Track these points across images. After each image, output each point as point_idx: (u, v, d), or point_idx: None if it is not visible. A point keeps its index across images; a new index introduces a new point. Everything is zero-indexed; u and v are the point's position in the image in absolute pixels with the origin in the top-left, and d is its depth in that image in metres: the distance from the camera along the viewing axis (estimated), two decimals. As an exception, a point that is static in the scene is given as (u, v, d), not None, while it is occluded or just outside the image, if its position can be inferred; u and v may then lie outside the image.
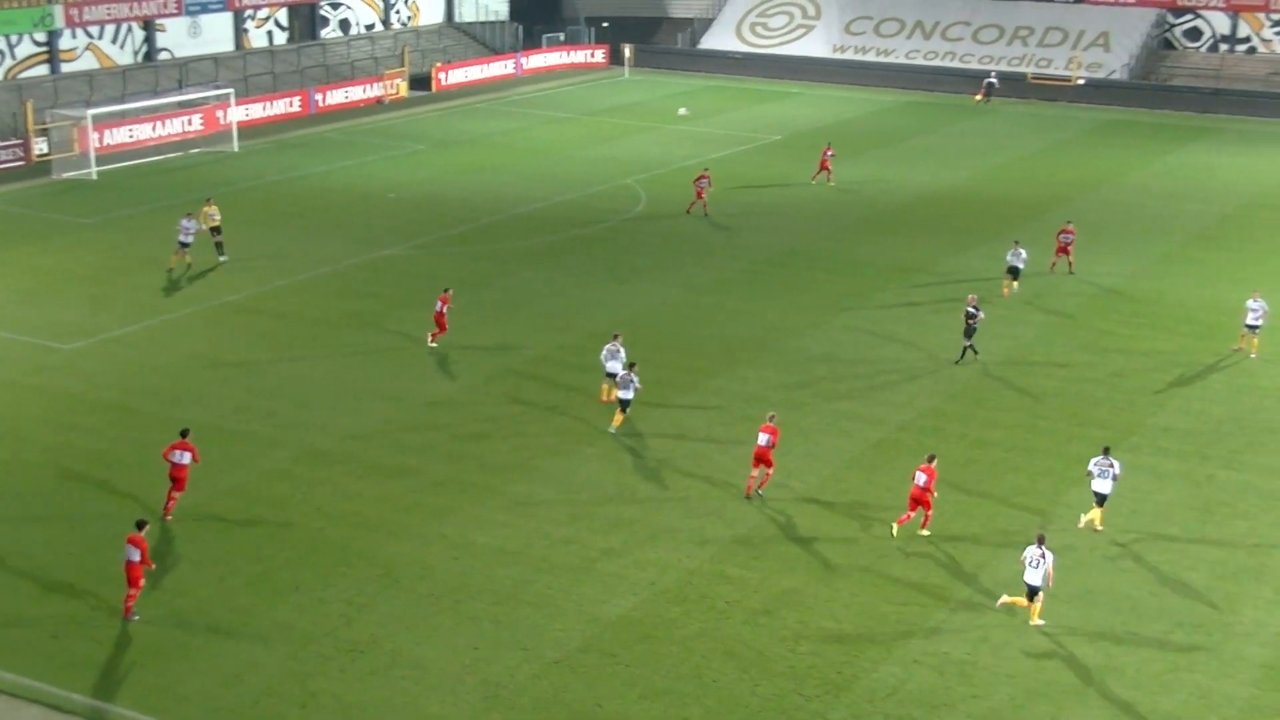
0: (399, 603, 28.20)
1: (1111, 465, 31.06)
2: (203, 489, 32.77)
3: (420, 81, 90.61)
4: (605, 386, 38.44)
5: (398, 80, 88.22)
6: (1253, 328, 42.37)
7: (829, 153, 65.20)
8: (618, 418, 36.55)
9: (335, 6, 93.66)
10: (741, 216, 58.91)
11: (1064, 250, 50.48)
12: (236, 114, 74.09)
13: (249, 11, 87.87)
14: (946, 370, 41.14)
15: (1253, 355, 42.43)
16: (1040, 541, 27.77)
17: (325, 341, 43.33)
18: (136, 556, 27.35)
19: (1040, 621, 27.73)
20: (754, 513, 32.15)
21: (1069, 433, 36.83)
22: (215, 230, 51.19)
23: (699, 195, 58.72)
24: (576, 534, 31.10)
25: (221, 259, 51.08)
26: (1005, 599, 28.27)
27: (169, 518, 31.51)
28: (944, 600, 28.50)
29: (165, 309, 46.10)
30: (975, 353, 41.85)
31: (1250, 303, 42.63)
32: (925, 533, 30.94)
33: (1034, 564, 27.49)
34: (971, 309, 41.77)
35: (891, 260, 52.17)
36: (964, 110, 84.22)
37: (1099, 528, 31.25)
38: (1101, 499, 31.21)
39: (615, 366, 38.01)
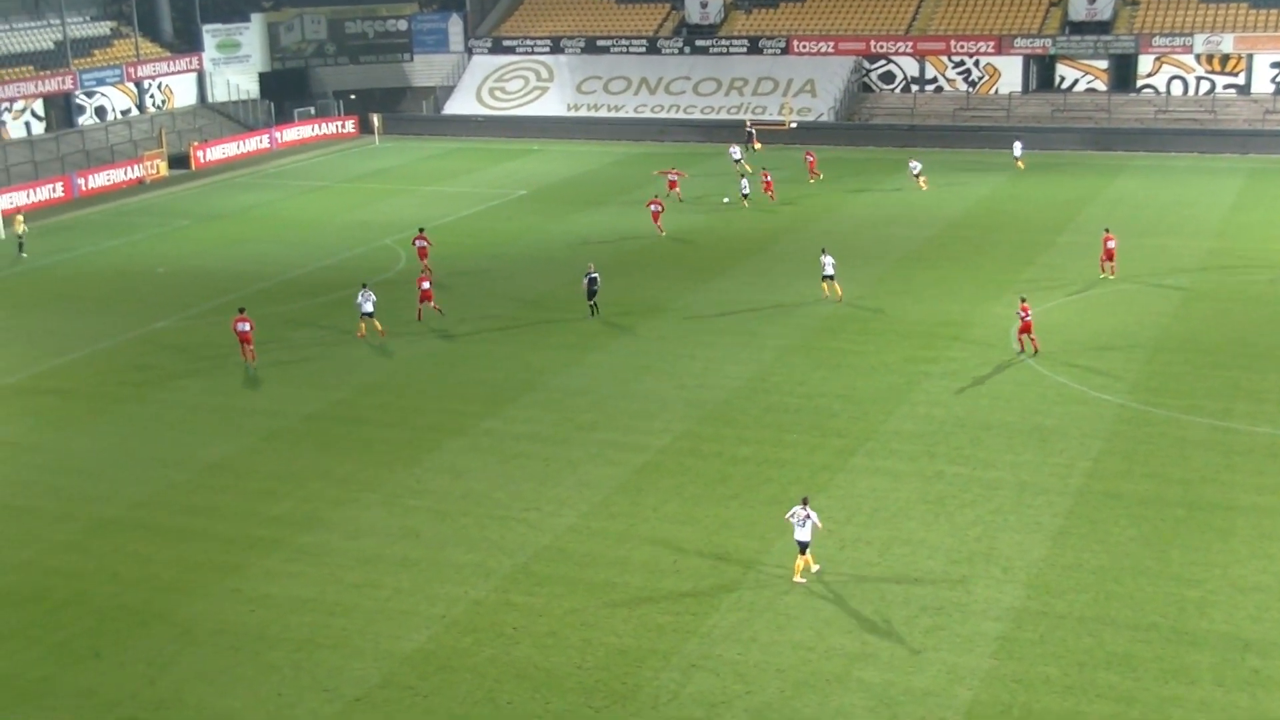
0: (199, 658, 27.27)
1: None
2: (-6, 568, 31.36)
3: (179, 160, 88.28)
4: (361, 324, 48.05)
5: (157, 160, 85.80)
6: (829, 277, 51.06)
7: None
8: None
9: (90, 95, 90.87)
10: (495, 266, 58.86)
11: (1109, 257, 53.55)
12: (1, 203, 71.09)
13: (5, 104, 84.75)
14: (697, 395, 41.69)
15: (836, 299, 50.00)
16: (804, 503, 29.58)
17: (106, 414, 41.79)
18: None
19: (811, 569, 29.66)
20: (533, 542, 32.03)
21: (812, 443, 37.65)
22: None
23: (423, 256, 57.02)
24: (367, 577, 30.53)
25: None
26: (796, 577, 29.56)
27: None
28: (714, 607, 28.78)
29: (-59, 395, 43.92)
30: (597, 311, 49.84)
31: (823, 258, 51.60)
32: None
33: (800, 523, 29.35)
34: (592, 275, 50.01)
35: (639, 298, 52.68)
36: (695, 157, 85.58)
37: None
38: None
39: (368, 307, 47.90)
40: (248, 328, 45.46)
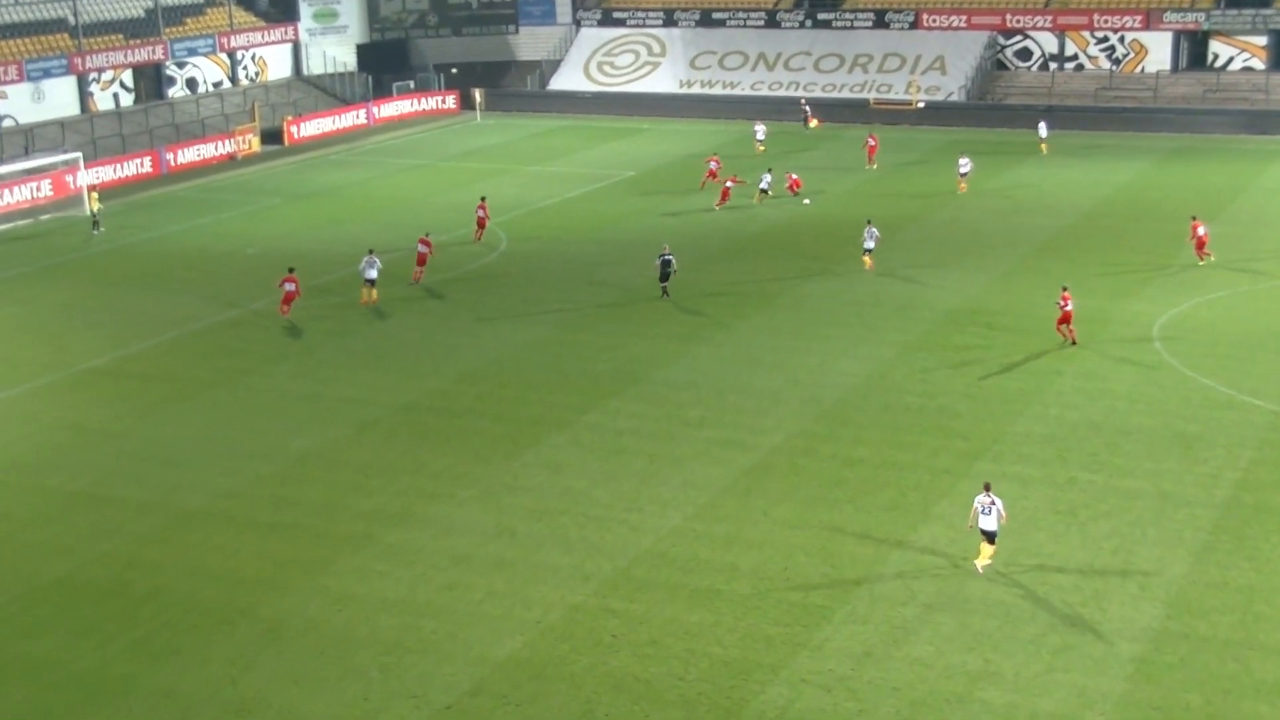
0: (284, 659, 27.64)
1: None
2: (74, 557, 32.02)
3: (272, 135, 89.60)
4: (364, 291, 51.10)
5: (249, 135, 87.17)
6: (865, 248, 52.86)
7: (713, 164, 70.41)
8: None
9: (181, 66, 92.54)
10: (600, 251, 59.03)
11: (1201, 245, 53.95)
12: (86, 178, 72.64)
13: (93, 75, 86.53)
14: (811, 392, 41.47)
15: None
16: (987, 489, 30.11)
17: (192, 400, 42.52)
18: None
19: (988, 562, 30.09)
20: (634, 545, 32.05)
21: (934, 446, 37.30)
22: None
23: (480, 225, 60.55)
24: (459, 578, 30.76)
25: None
26: (976, 562, 30.15)
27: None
28: (826, 618, 28.61)
29: (24, 378, 44.90)
30: (668, 295, 50.74)
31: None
32: None
33: (985, 510, 29.84)
34: (667, 257, 50.78)
35: (750, 287, 52.55)
36: (812, 138, 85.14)
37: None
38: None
39: (372, 274, 50.84)
40: (293, 288, 49.46)
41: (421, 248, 54.24)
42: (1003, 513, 30.05)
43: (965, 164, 69.22)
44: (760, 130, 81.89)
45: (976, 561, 30.31)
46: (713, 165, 70.58)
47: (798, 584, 30.01)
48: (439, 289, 53.50)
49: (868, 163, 75.96)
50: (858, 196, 68.55)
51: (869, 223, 55.01)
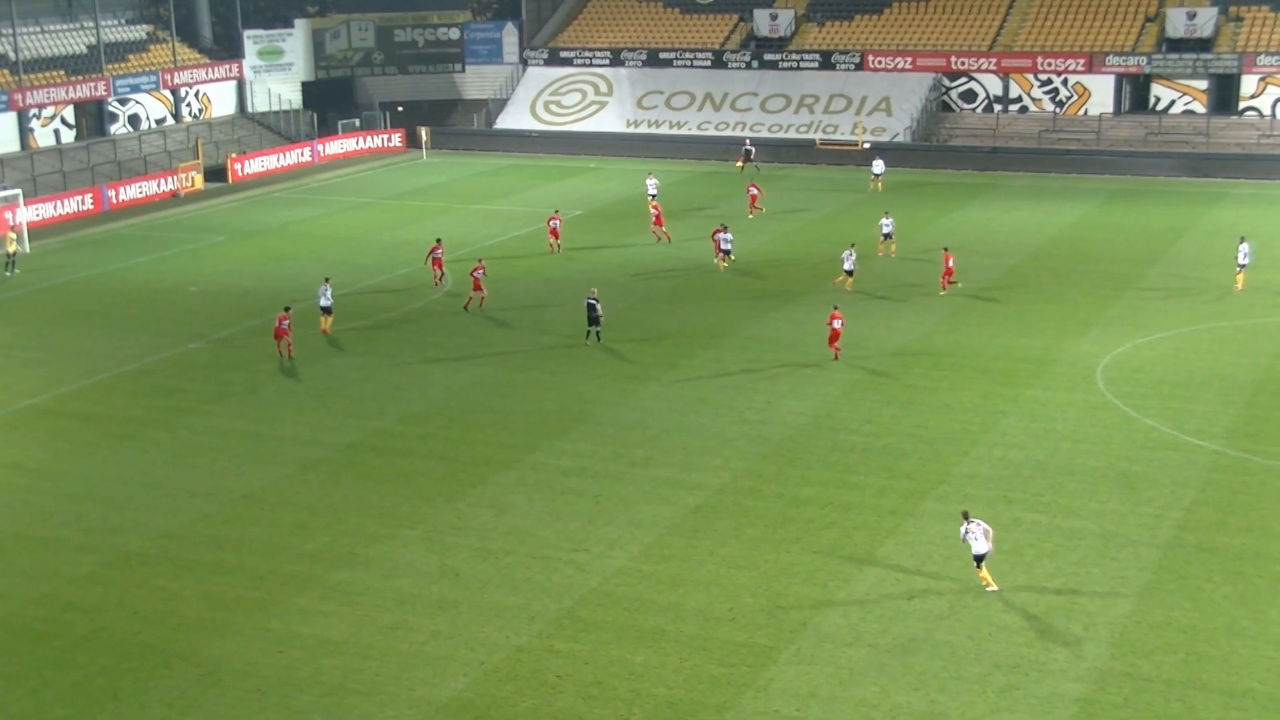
0: (223, 703, 27.43)
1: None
2: (10, 600, 31.72)
3: (216, 173, 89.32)
4: (320, 319, 52.64)
5: (192, 173, 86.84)
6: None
7: (555, 221, 67.62)
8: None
9: (123, 102, 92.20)
10: (546, 291, 59.09)
11: (948, 274, 57.09)
12: (26, 214, 72.10)
13: (33, 111, 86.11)
14: (758, 431, 41.65)
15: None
16: (966, 517, 31.48)
17: (133, 440, 42.23)
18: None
19: (993, 587, 31.30)
20: (580, 585, 32.05)
21: (880, 485, 37.52)
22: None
23: (438, 265, 60.07)
24: (403, 619, 30.65)
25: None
26: (989, 586, 31.34)
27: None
28: (772, 659, 28.68)
29: (-38, 416, 44.54)
30: (599, 338, 50.75)
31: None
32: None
33: (974, 536, 31.10)
34: (592, 300, 50.81)
35: (698, 327, 52.74)
36: (736, 180, 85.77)
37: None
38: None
39: (325, 302, 52.57)
40: (279, 324, 49.81)
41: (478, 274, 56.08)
42: (988, 529, 31.19)
43: (888, 224, 64.83)
44: (652, 185, 75.77)
45: (991, 587, 31.51)
46: (554, 224, 67.20)
47: (743, 624, 30.08)
48: (383, 329, 53.40)
49: (749, 211, 73.65)
50: (806, 236, 68.95)
51: (852, 245, 59.01)
